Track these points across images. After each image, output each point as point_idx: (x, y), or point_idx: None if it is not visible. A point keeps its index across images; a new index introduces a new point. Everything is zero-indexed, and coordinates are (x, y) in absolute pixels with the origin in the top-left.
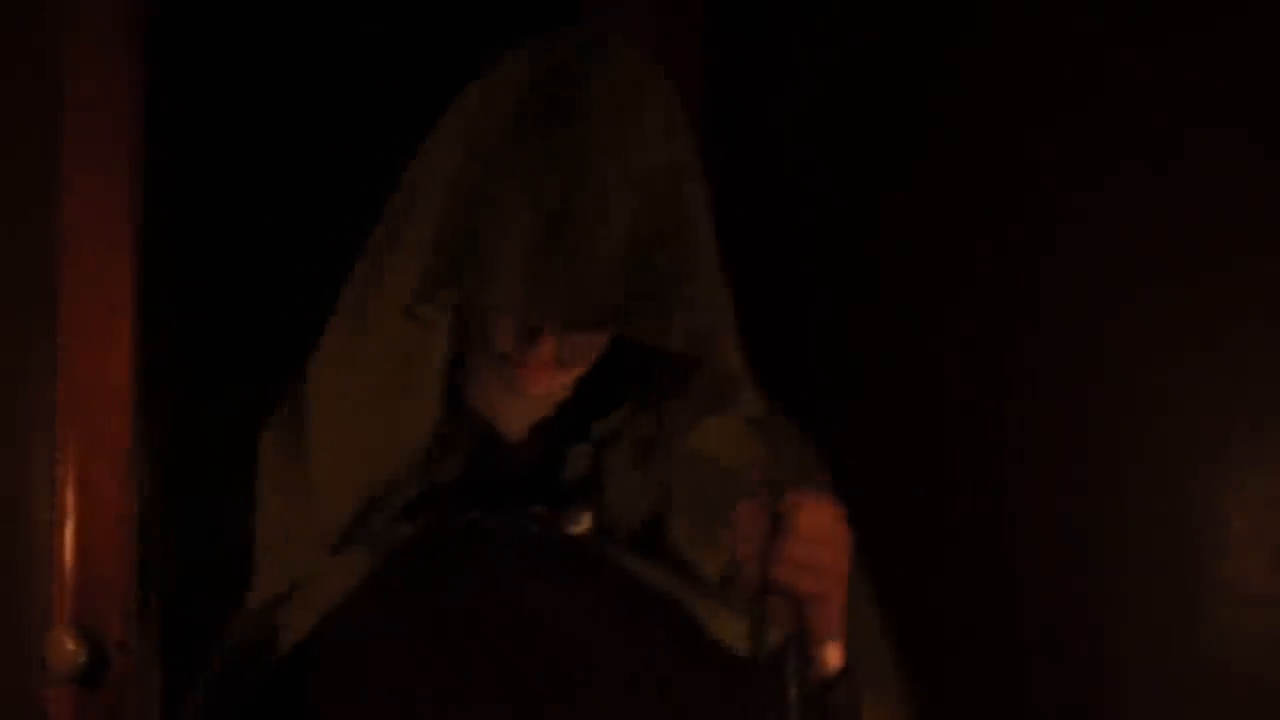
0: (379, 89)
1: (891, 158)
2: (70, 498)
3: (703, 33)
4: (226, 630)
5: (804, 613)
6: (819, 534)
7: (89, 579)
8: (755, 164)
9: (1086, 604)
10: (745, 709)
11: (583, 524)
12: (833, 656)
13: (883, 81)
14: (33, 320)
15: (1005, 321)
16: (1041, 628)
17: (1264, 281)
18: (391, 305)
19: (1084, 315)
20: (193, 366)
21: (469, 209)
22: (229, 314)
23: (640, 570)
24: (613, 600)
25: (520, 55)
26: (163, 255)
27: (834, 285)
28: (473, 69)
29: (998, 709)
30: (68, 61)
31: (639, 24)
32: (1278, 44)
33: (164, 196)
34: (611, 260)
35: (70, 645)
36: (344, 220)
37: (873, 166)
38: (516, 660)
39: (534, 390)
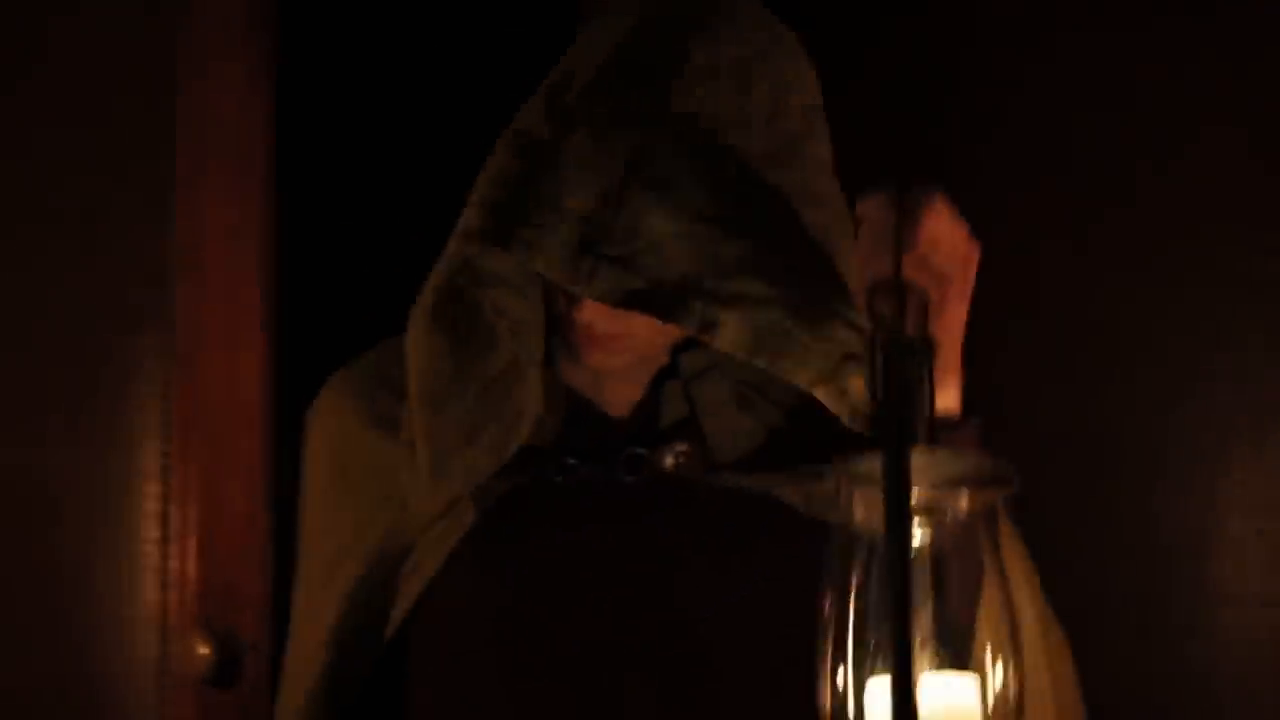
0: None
1: (897, 156)
2: (194, 500)
3: None
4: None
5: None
6: (943, 234)
7: (217, 582)
8: None
9: (1086, 604)
10: None
11: (680, 455)
12: (949, 398)
13: (890, 80)
14: (145, 318)
15: (1005, 323)
16: None
17: (1265, 282)
18: (453, 264)
19: (1084, 317)
20: (321, 364)
21: (529, 164)
22: (360, 310)
23: (746, 484)
24: (716, 527)
25: (630, 6)
26: (290, 254)
27: None
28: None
29: None
30: (196, 47)
31: None
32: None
33: (294, 197)
34: (664, 243)
35: (203, 649)
36: None
37: (877, 165)
38: (619, 606)
39: (590, 361)
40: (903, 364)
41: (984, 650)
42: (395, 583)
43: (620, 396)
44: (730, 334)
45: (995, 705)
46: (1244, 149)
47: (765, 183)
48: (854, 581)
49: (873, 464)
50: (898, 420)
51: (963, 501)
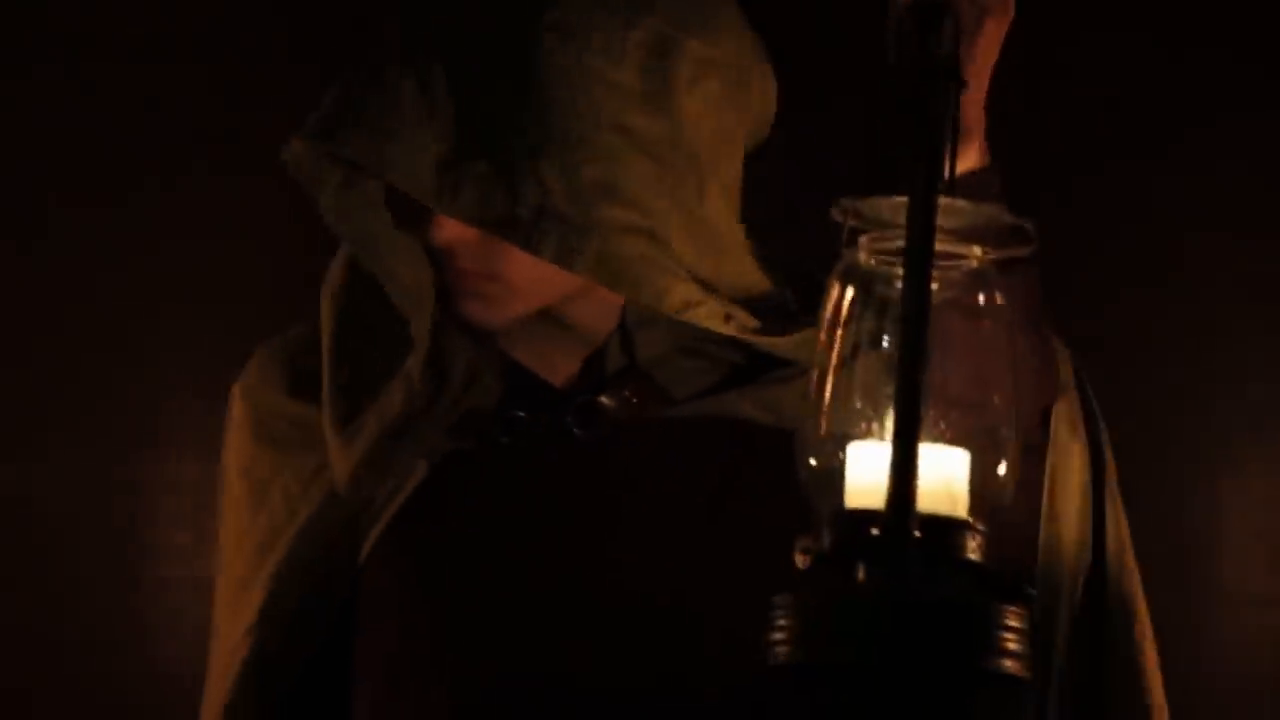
0: None
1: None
2: None
3: None
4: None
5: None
6: None
7: None
8: None
9: None
10: None
11: (630, 397)
12: (971, 155)
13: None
14: None
15: None
16: None
17: (1264, 281)
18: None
19: (1083, 315)
20: None
21: (396, 70)
22: None
23: (704, 411)
24: (678, 470)
25: None
26: None
27: None
28: None
29: None
30: None
31: None
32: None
33: None
34: (524, 164)
35: None
36: None
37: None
38: (569, 578)
39: (468, 314)
40: (934, 92)
41: (984, 429)
42: (340, 551)
43: (562, 370)
44: (587, 261)
45: (988, 487)
46: (1244, 148)
47: (634, 116)
48: (850, 333)
49: (881, 206)
50: (928, 155)
51: (975, 255)
